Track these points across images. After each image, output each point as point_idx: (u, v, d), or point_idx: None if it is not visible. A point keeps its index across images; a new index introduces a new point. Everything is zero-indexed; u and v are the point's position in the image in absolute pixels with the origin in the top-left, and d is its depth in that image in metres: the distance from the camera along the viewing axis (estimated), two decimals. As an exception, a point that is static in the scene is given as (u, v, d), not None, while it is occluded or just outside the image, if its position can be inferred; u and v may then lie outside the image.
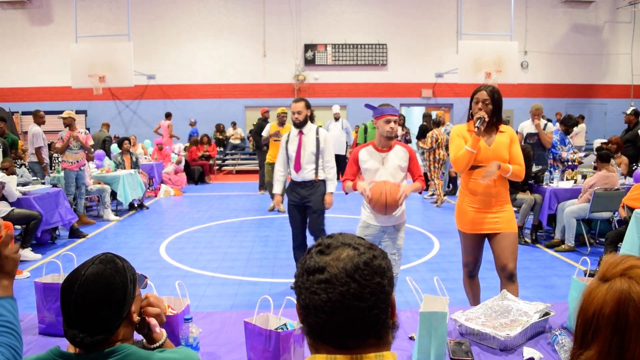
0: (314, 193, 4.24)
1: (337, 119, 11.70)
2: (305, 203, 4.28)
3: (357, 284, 0.90)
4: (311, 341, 0.95)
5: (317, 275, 0.91)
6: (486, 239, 3.11)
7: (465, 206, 3.07)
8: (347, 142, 11.85)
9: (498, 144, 2.97)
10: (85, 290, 1.24)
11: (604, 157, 5.63)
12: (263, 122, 9.63)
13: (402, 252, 3.41)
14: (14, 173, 6.25)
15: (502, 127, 3.02)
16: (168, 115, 13.03)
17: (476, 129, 2.90)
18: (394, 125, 3.22)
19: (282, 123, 7.98)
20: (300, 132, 4.28)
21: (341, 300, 0.89)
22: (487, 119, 2.89)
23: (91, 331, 1.23)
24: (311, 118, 4.34)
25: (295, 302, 0.98)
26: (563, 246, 5.62)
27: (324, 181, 4.30)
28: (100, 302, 1.24)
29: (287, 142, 4.36)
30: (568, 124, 6.58)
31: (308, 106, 4.31)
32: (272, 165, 7.58)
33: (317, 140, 4.24)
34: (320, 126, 4.36)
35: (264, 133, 8.37)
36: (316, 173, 4.25)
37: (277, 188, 4.52)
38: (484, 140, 2.98)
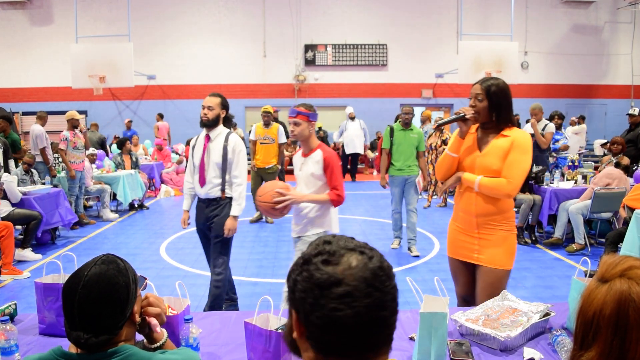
0: (218, 214, 3.49)
1: (352, 118, 11.93)
2: (210, 226, 3.55)
3: (379, 293, 0.83)
4: (321, 357, 0.85)
5: (334, 289, 0.81)
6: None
7: (450, 223, 2.66)
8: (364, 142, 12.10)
9: (493, 149, 2.41)
10: (89, 290, 1.24)
11: (620, 164, 5.68)
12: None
13: None
14: (29, 171, 6.34)
15: (509, 131, 2.41)
16: (162, 116, 13.11)
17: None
18: (293, 128, 2.94)
19: (267, 124, 7.17)
20: (207, 137, 3.53)
21: (367, 313, 0.81)
22: (467, 116, 2.40)
23: (95, 332, 1.23)
24: (226, 122, 3.57)
25: (294, 314, 0.88)
26: (573, 246, 5.52)
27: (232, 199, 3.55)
28: (104, 302, 1.25)
29: (193, 147, 3.62)
30: (553, 118, 7.18)
31: (224, 106, 3.52)
32: (259, 170, 7.07)
33: (225, 148, 3.45)
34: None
35: (251, 136, 7.35)
36: (222, 190, 3.49)
37: (186, 203, 3.74)
38: (481, 144, 2.47)
